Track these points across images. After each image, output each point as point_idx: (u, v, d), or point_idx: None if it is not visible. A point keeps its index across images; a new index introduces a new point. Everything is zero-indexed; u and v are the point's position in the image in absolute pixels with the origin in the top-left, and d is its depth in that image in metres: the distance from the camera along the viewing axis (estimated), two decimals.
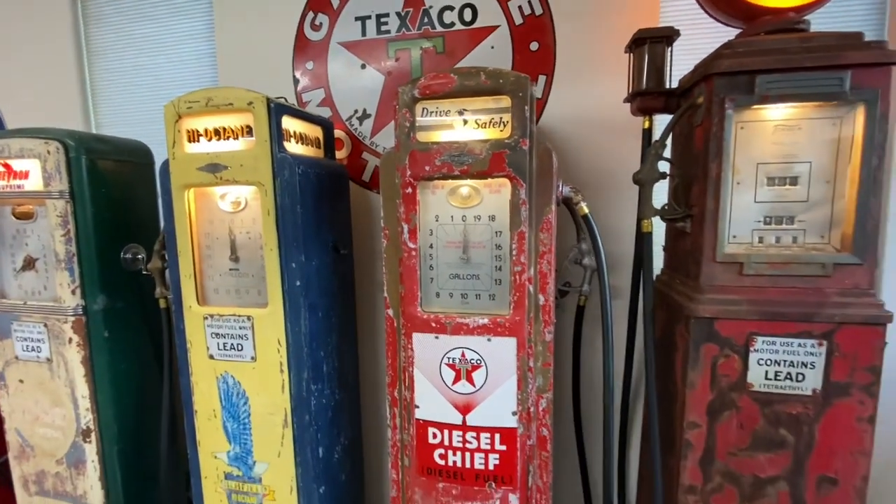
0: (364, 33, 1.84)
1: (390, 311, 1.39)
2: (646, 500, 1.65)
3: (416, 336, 1.33)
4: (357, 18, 1.85)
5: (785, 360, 1.18)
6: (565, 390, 1.73)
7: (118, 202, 1.75)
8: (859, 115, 1.11)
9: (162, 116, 2.14)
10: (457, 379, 1.32)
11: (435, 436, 1.36)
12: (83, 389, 1.66)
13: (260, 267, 1.48)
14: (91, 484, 1.72)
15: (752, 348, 1.20)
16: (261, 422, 1.50)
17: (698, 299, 1.22)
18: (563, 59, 1.72)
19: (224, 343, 1.48)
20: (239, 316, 1.46)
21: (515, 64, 1.74)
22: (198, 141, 1.44)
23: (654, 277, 1.60)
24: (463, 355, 1.31)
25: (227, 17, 1.98)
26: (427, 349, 1.33)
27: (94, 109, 2.22)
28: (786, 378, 1.19)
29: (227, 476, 1.56)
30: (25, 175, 1.61)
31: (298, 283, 1.44)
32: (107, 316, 1.69)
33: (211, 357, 1.50)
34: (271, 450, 1.51)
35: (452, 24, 1.77)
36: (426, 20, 1.79)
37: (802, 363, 1.18)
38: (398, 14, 1.81)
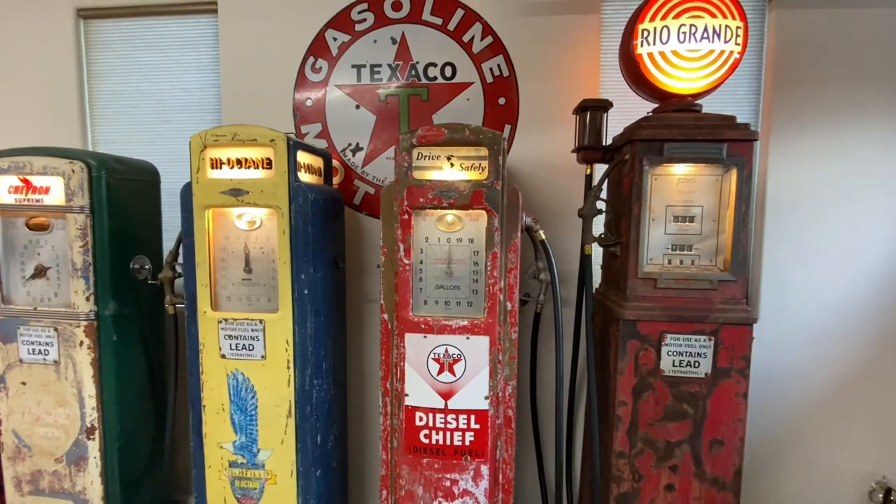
0: (359, 79, 2.16)
1: (385, 316, 1.68)
2: (588, 468, 2.01)
3: (408, 336, 1.63)
4: (353, 66, 2.16)
5: (686, 352, 1.60)
6: (525, 380, 2.07)
7: (129, 216, 1.92)
8: (733, 175, 1.56)
9: (164, 138, 2.34)
10: (441, 370, 1.63)
11: (421, 419, 1.65)
12: (90, 389, 1.80)
13: (271, 277, 1.72)
14: (91, 479, 1.83)
15: (663, 343, 1.60)
16: (266, 413, 1.72)
17: (625, 306, 1.61)
18: (525, 113, 2.12)
19: (236, 343, 1.69)
20: (252, 319, 1.69)
21: (486, 114, 2.12)
22: (220, 168, 1.67)
23: (595, 290, 2.01)
24: (446, 351, 1.62)
25: (231, 52, 2.21)
26: (416, 347, 1.63)
27: (91, 129, 2.35)
28: (687, 365, 1.60)
29: (232, 464, 1.75)
30: (46, 190, 1.76)
31: (306, 292, 1.69)
32: (116, 321, 1.85)
33: (223, 356, 1.71)
34: (275, 438, 1.73)
35: (435, 77, 2.12)
36: (413, 73, 2.13)
37: (698, 353, 1.59)
38: (390, 66, 2.14)
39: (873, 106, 2.01)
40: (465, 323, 1.61)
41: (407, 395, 1.65)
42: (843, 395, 2.12)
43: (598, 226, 1.75)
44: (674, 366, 1.61)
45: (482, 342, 1.61)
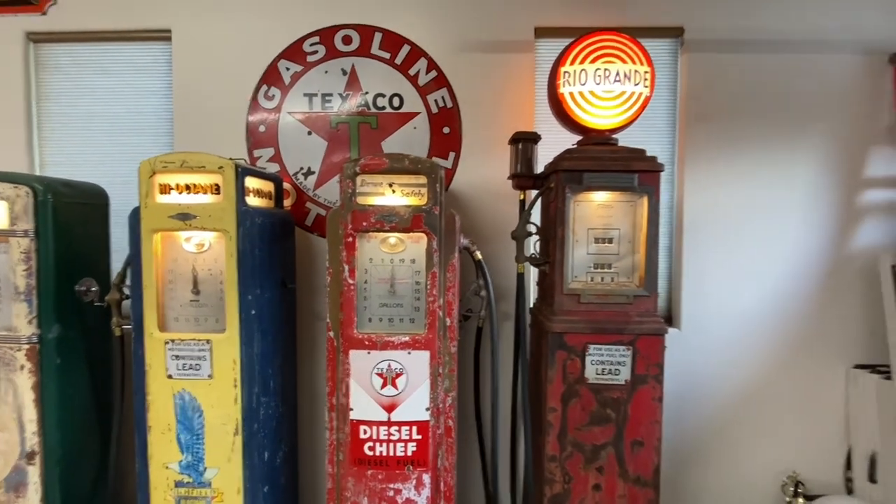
0: (311, 107, 2.27)
1: (331, 334, 1.76)
2: (515, 472, 2.13)
3: (353, 352, 1.72)
4: (306, 94, 2.27)
5: (608, 361, 1.76)
6: (469, 391, 2.19)
7: (75, 239, 1.94)
8: (644, 202, 1.76)
9: (116, 161, 2.37)
10: (384, 385, 1.72)
11: (365, 432, 1.73)
12: (31, 413, 1.78)
13: (219, 298, 1.78)
14: None
15: (587, 353, 1.76)
16: (213, 432, 1.76)
17: (553, 320, 1.77)
18: (468, 141, 2.28)
19: (184, 364, 1.74)
20: (199, 340, 1.73)
21: (432, 142, 2.27)
22: (169, 193, 1.73)
23: (532, 305, 2.16)
24: (389, 366, 1.72)
25: (184, 79, 2.28)
26: (361, 362, 1.72)
27: (40, 151, 2.35)
28: (608, 373, 1.76)
29: (178, 484, 1.77)
30: None
31: (254, 312, 1.76)
32: (60, 344, 1.85)
33: (170, 377, 1.74)
34: (222, 456, 1.76)
35: (384, 107, 2.26)
36: (363, 102, 2.26)
37: (618, 362, 1.76)
38: (340, 95, 2.26)
39: (774, 138, 2.29)
40: (407, 339, 1.72)
41: (352, 409, 1.73)
42: (757, 395, 2.34)
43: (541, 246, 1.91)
44: (597, 374, 1.76)
45: (423, 356, 1.72)
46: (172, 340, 1.73)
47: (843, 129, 2.29)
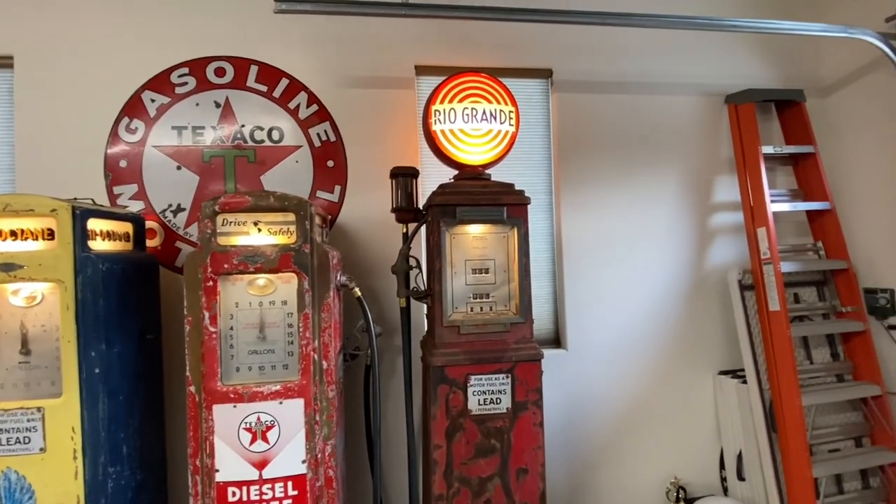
0: (181, 140, 2.12)
1: (192, 388, 1.61)
2: None
3: (217, 407, 1.58)
4: (174, 127, 2.12)
5: (489, 390, 1.77)
6: (360, 433, 2.09)
7: None
8: (514, 234, 1.83)
9: None
10: (253, 440, 1.59)
11: (234, 494, 1.58)
12: None
13: (55, 358, 1.56)
14: None
15: (468, 385, 1.76)
16: None
17: (435, 353, 1.76)
18: (354, 174, 2.26)
19: (8, 438, 1.48)
20: (27, 409, 1.49)
21: (316, 175, 2.22)
22: None
23: (423, 337, 2.14)
24: (258, 419, 1.60)
25: (29, 111, 2.04)
26: (227, 418, 1.58)
27: None
28: (490, 402, 1.77)
29: None
30: None
31: (98, 371, 1.56)
32: None
33: None
34: None
35: (262, 140, 2.18)
36: (239, 136, 2.16)
37: (499, 391, 1.78)
38: (213, 127, 2.15)
39: (637, 169, 2.53)
40: (278, 387, 1.61)
41: (218, 470, 1.58)
42: (639, 407, 2.50)
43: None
44: (479, 405, 1.77)
45: (296, 405, 1.62)
46: None
47: (692, 161, 2.58)
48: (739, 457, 2.43)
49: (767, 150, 2.49)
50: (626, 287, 2.48)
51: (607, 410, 2.45)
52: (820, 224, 2.57)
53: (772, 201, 2.38)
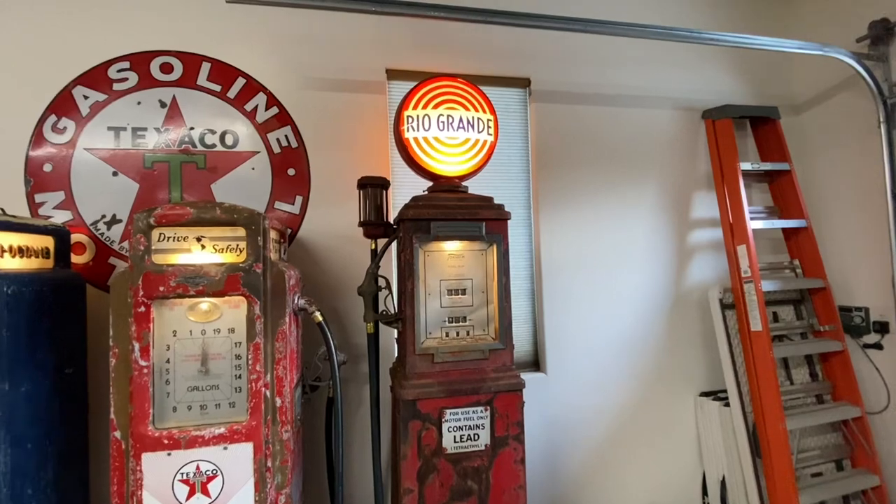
0: (118, 143, 1.87)
1: (118, 434, 1.36)
2: None
3: (146, 456, 1.33)
4: (111, 128, 1.87)
5: (465, 425, 1.60)
6: (323, 473, 1.87)
7: None
8: (493, 251, 1.68)
9: None
10: (191, 493, 1.35)
11: None
12: None
13: None
14: None
15: (443, 419, 1.58)
16: None
17: (405, 385, 1.57)
18: (318, 184, 2.06)
19: None
20: None
21: (274, 184, 2.01)
22: None
23: (392, 364, 1.95)
24: (198, 468, 1.36)
25: None
26: (159, 468, 1.34)
27: None
28: (468, 439, 1.60)
29: None
30: None
31: None
32: None
33: None
34: None
35: (214, 145, 1.96)
36: (187, 139, 1.93)
37: (476, 426, 1.61)
38: (157, 129, 1.91)
39: (616, 183, 2.44)
40: (223, 430, 1.38)
41: None
42: (621, 431, 2.37)
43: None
44: (455, 442, 1.59)
45: (244, 450, 1.39)
46: None
47: (671, 176, 2.53)
48: (723, 483, 2.34)
49: (745, 166, 2.45)
50: (605, 306, 2.37)
51: (587, 436, 2.32)
52: (796, 242, 2.56)
53: (750, 219, 2.34)
